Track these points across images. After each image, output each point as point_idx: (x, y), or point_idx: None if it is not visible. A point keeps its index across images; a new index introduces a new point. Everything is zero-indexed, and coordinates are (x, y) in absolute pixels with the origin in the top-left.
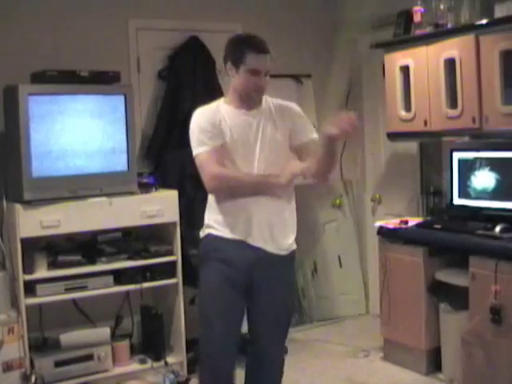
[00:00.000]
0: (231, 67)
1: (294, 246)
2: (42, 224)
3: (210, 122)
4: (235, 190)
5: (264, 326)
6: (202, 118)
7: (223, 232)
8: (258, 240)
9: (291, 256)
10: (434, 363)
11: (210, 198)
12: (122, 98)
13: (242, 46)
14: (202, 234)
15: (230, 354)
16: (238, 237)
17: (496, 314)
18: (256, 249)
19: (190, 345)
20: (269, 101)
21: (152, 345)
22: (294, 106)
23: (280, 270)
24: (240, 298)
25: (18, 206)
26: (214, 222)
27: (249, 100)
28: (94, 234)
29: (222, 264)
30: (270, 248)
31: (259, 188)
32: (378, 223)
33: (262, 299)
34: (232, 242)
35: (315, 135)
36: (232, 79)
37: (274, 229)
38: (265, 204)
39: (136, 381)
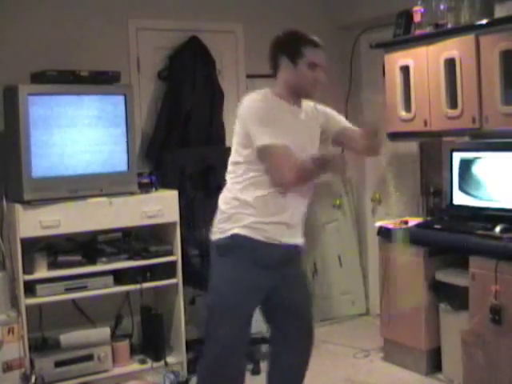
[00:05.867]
0: (287, 62)
1: None
2: (42, 224)
3: (270, 115)
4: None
5: None
6: (261, 109)
7: None
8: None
9: None
10: (434, 363)
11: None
12: (121, 98)
13: (300, 41)
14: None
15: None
16: None
17: (496, 314)
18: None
19: (190, 345)
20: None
21: (152, 345)
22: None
23: None
24: None
25: (18, 206)
26: None
27: (305, 95)
28: (94, 234)
29: None
30: None
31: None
32: (378, 223)
33: None
34: None
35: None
36: (284, 74)
37: None
38: None
39: (136, 381)
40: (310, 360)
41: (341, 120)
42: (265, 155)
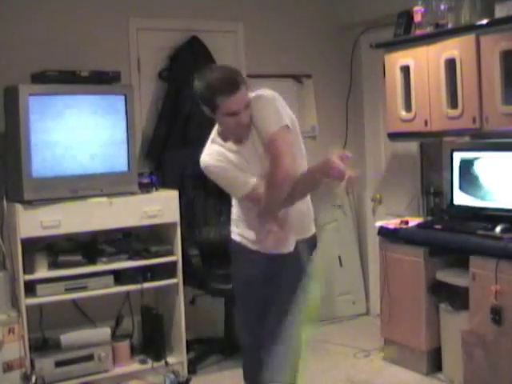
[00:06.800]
0: (210, 112)
1: None
2: (43, 224)
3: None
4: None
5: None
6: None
7: None
8: None
9: None
10: (435, 363)
11: None
12: (122, 98)
13: (211, 94)
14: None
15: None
16: None
17: (496, 315)
18: None
19: (190, 345)
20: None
21: (152, 345)
22: (257, 100)
23: None
24: None
25: (19, 206)
26: None
27: (234, 138)
28: (95, 234)
29: None
30: None
31: None
32: (379, 223)
33: None
34: None
35: (278, 124)
36: (215, 121)
37: None
38: None
39: (136, 381)
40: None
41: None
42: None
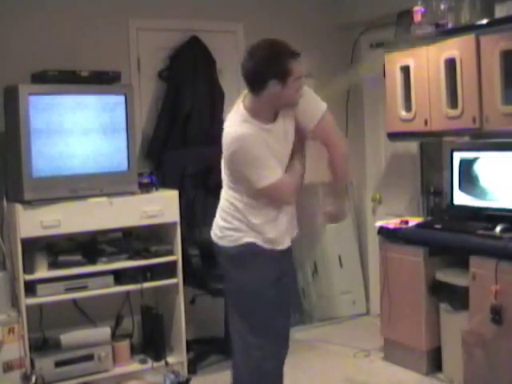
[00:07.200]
0: (276, 84)
1: None
2: (43, 224)
3: (256, 152)
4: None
5: None
6: (249, 150)
7: None
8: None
9: None
10: (435, 363)
11: None
12: (122, 97)
13: (285, 59)
14: None
15: None
16: None
17: (496, 314)
18: None
19: (190, 345)
20: None
21: (152, 345)
22: None
23: None
24: None
25: (19, 206)
26: None
27: (290, 106)
28: (95, 234)
29: None
30: None
31: None
32: (379, 223)
33: None
34: None
35: (321, 109)
36: (272, 96)
37: None
38: None
39: (136, 381)
40: None
41: (312, 117)
42: (266, 193)
